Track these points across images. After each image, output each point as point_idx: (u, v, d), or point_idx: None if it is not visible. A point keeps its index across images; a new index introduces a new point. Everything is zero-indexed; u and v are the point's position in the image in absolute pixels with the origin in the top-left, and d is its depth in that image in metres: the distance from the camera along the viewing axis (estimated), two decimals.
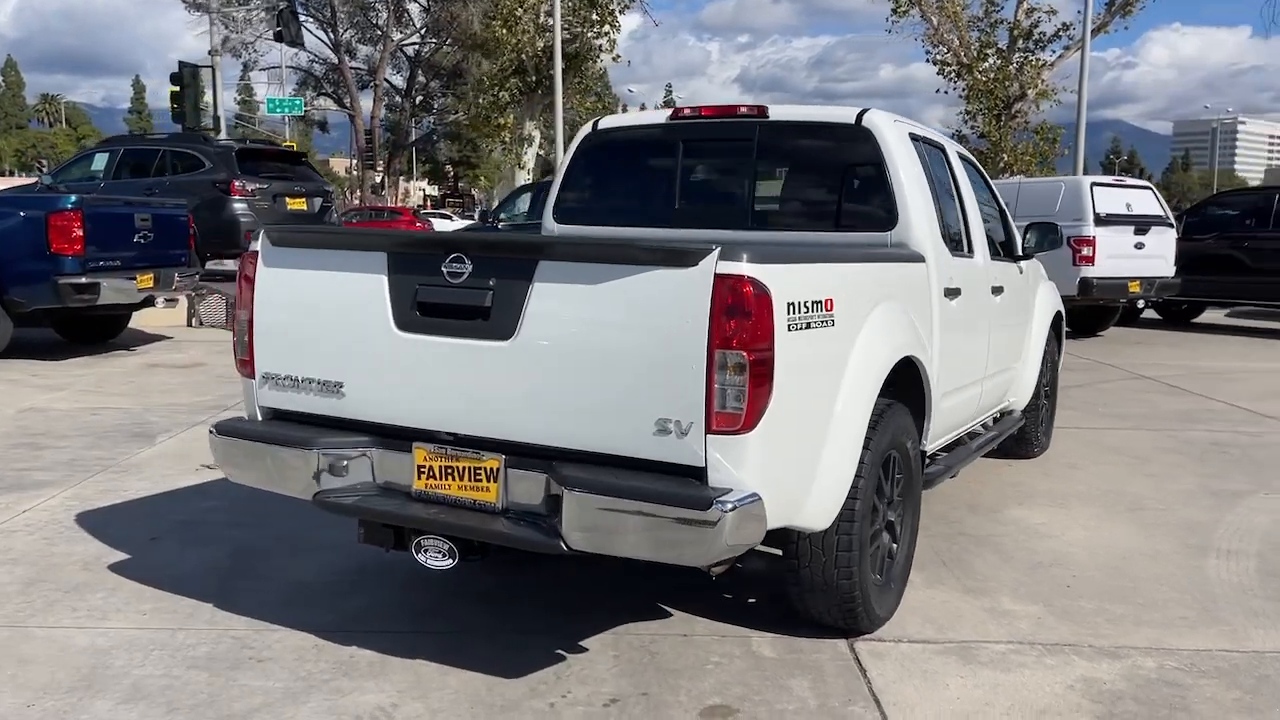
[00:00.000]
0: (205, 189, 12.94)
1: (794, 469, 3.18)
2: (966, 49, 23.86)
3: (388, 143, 53.83)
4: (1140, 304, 15.06)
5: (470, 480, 3.28)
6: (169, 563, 4.48)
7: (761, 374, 2.89)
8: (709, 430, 2.91)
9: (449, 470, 3.32)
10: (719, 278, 2.87)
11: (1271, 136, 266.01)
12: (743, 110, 4.64)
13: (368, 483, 3.47)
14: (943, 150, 5.03)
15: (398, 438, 3.43)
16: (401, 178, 67.12)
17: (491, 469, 3.24)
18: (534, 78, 23.30)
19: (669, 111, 4.84)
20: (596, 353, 3.05)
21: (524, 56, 23.03)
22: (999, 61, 23.57)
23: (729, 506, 2.82)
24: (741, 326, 2.86)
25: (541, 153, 26.23)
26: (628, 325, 3.00)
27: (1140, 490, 6.04)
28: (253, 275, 3.65)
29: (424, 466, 3.36)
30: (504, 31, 22.94)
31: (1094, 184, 13.61)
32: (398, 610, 4.06)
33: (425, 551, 3.30)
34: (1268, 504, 5.80)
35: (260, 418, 3.71)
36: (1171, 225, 14.14)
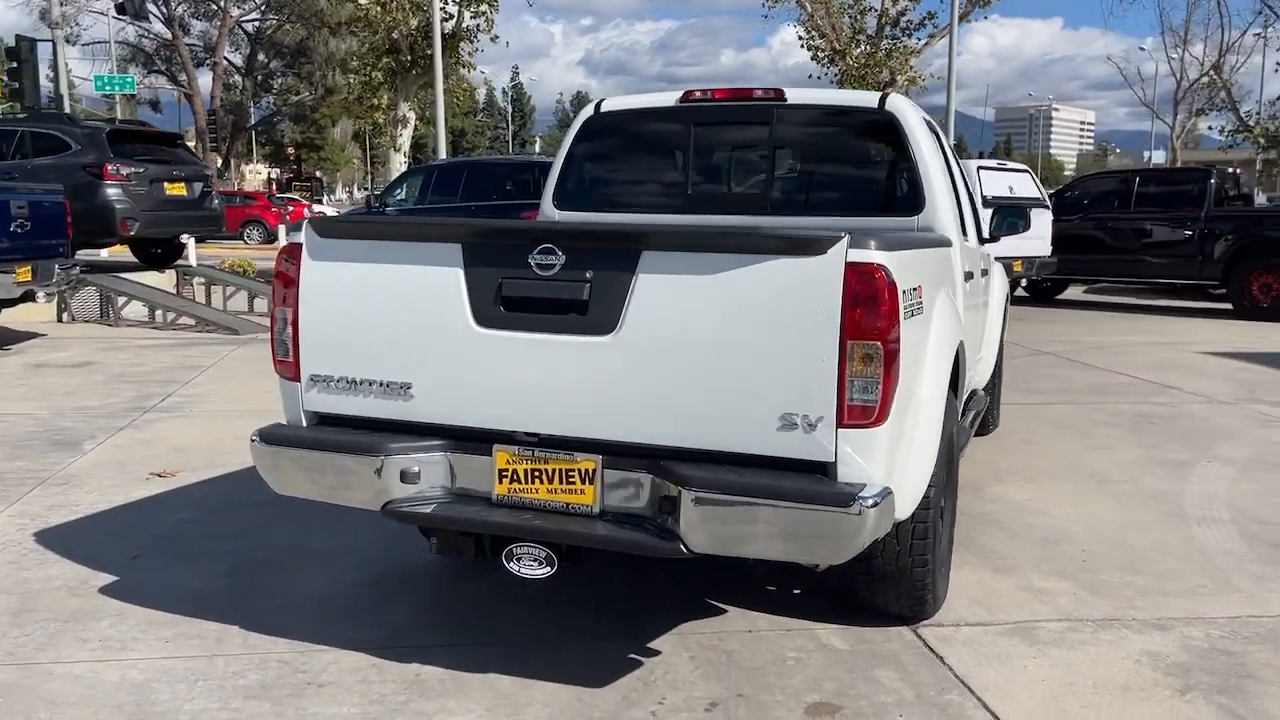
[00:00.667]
0: (73, 173, 11.97)
1: (898, 459, 3.13)
2: (839, 35, 24.43)
3: (226, 124, 51.37)
4: (1023, 282, 15.77)
5: (562, 483, 3.11)
6: (166, 582, 4.12)
7: (892, 364, 2.83)
8: (840, 424, 2.83)
9: (536, 473, 3.14)
10: (850, 266, 2.79)
11: (1083, 122, 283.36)
12: (759, 93, 4.57)
13: (441, 489, 3.25)
14: (938, 134, 5.07)
15: (474, 440, 3.22)
16: (241, 161, 64.31)
17: (587, 470, 3.08)
18: (409, 57, 22.52)
19: (678, 93, 4.71)
20: (712, 347, 2.92)
21: (397, 35, 22.23)
22: (868, 48, 24.25)
23: (870, 502, 2.76)
24: (874, 315, 2.79)
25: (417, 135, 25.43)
26: (747, 317, 2.88)
27: (1097, 463, 6.28)
28: (296, 270, 3.36)
29: (506, 470, 3.17)
30: (378, 10, 22.09)
31: (980, 167, 14.12)
32: (444, 621, 3.83)
33: (519, 560, 3.11)
34: (1215, 471, 6.12)
35: (305, 423, 3.43)
36: (1048, 207, 14.82)
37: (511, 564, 3.12)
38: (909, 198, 4.33)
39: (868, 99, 4.46)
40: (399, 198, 15.69)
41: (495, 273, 3.11)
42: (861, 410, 2.82)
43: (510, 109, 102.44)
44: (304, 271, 3.35)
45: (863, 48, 24.15)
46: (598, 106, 4.83)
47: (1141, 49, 63.30)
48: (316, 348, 3.35)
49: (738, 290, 2.89)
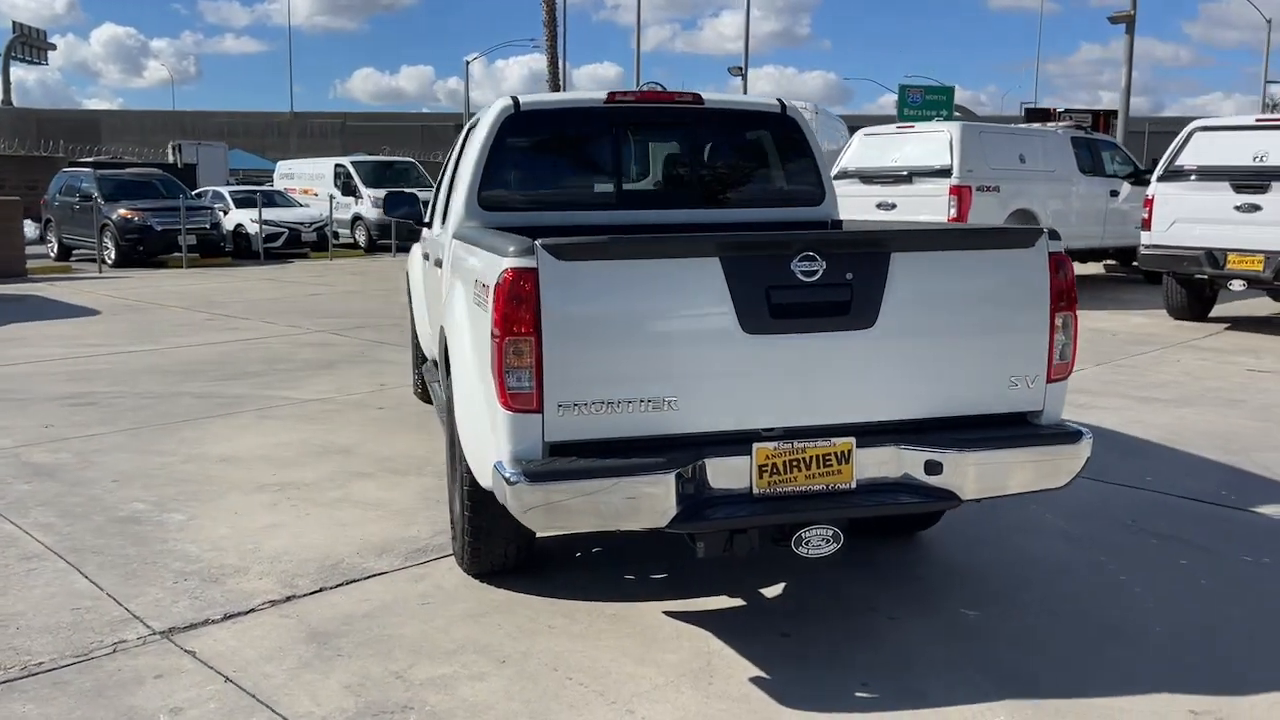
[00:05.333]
0: None
1: None
2: None
3: None
4: None
5: (819, 468, 3.42)
6: None
7: (1077, 328, 3.65)
8: (1048, 380, 3.59)
9: (795, 463, 3.40)
10: (1051, 255, 3.55)
11: None
12: (677, 97, 4.93)
13: (706, 495, 3.33)
14: None
15: (730, 443, 3.36)
16: None
17: (844, 452, 3.43)
18: None
19: (602, 95, 4.85)
20: (952, 330, 3.47)
21: None
22: None
23: (1088, 435, 3.57)
24: (1067, 291, 3.58)
25: None
26: (978, 302, 3.50)
27: None
28: (533, 296, 3.13)
29: (766, 465, 3.37)
30: None
31: None
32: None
33: (807, 543, 3.37)
34: None
35: (542, 455, 3.22)
36: None
37: (801, 548, 3.37)
38: (814, 191, 5.09)
39: (771, 103, 5.08)
40: None
41: (760, 282, 3.29)
42: (1062, 367, 3.61)
43: None
44: (544, 297, 3.14)
45: None
46: (517, 104, 4.75)
47: None
48: (564, 375, 3.19)
49: (969, 280, 3.48)
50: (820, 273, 3.33)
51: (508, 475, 3.14)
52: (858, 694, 3.30)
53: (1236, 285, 10.70)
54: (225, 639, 3.74)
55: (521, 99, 4.80)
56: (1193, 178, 10.96)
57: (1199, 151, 11.01)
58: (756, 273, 3.30)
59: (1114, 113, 23.61)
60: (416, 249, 7.32)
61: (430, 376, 6.61)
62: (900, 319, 3.42)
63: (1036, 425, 3.61)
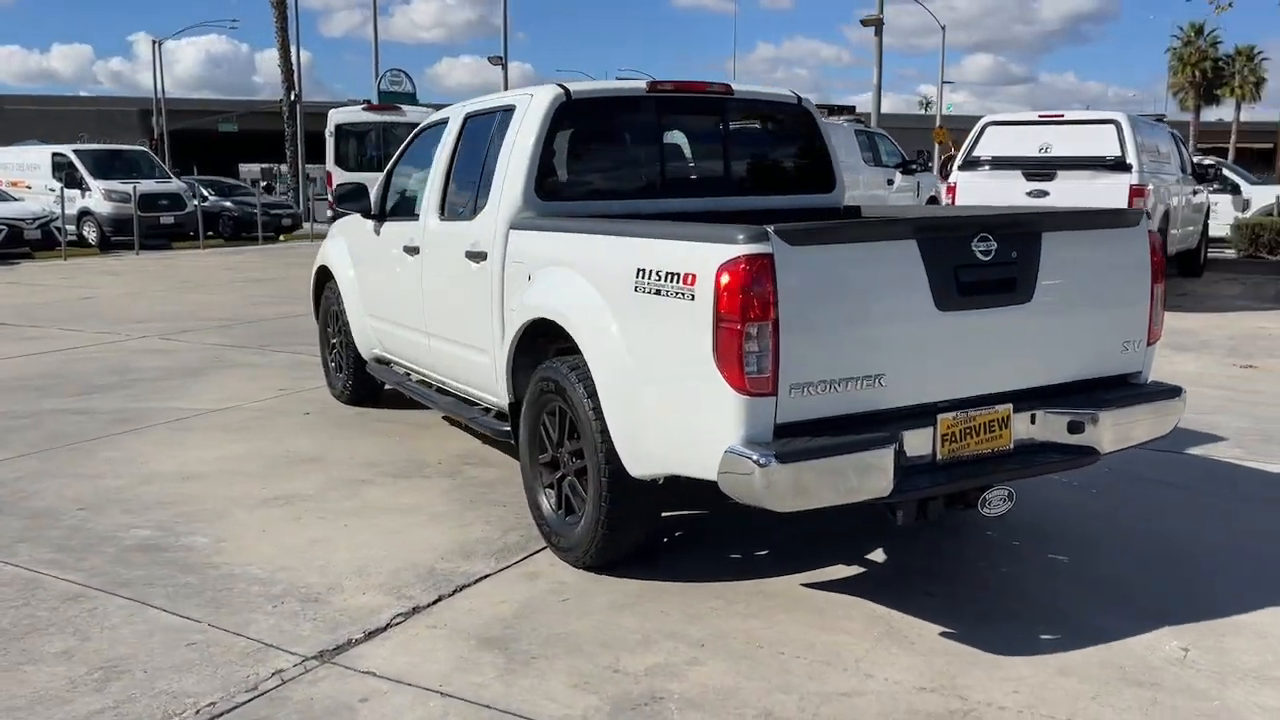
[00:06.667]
0: None
1: None
2: None
3: None
4: None
5: (986, 434, 3.69)
6: None
7: (1164, 298, 4.13)
8: (1148, 344, 4.06)
9: (968, 431, 3.65)
10: (1149, 233, 4.01)
11: None
12: (710, 87, 5.03)
13: (906, 465, 3.51)
14: None
15: (919, 415, 3.56)
16: None
17: (1004, 418, 3.72)
18: None
19: (643, 84, 4.86)
20: (1084, 301, 3.85)
21: None
22: None
23: (1184, 390, 4.07)
24: (1160, 265, 4.05)
25: None
26: (1101, 274, 3.90)
27: None
28: (770, 281, 3.19)
29: (948, 434, 3.60)
30: None
31: None
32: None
33: (990, 504, 3.64)
34: None
35: (773, 437, 3.28)
36: None
37: (985, 508, 3.65)
38: (828, 178, 5.36)
39: (788, 95, 5.27)
40: None
41: (949, 261, 3.51)
42: (1155, 332, 4.08)
43: None
44: (781, 282, 3.21)
45: None
46: (568, 93, 4.65)
47: None
48: (796, 357, 3.26)
49: (1094, 256, 3.88)
50: (994, 252, 3.60)
51: (755, 458, 3.18)
52: (1044, 637, 3.62)
53: None
54: (390, 656, 3.52)
55: (570, 87, 4.73)
56: (987, 167, 12.21)
57: (992, 143, 12.28)
58: (946, 253, 3.52)
59: (848, 108, 25.61)
60: (339, 245, 6.92)
61: (389, 376, 6.34)
62: (1050, 293, 3.76)
63: (1141, 384, 4.08)
